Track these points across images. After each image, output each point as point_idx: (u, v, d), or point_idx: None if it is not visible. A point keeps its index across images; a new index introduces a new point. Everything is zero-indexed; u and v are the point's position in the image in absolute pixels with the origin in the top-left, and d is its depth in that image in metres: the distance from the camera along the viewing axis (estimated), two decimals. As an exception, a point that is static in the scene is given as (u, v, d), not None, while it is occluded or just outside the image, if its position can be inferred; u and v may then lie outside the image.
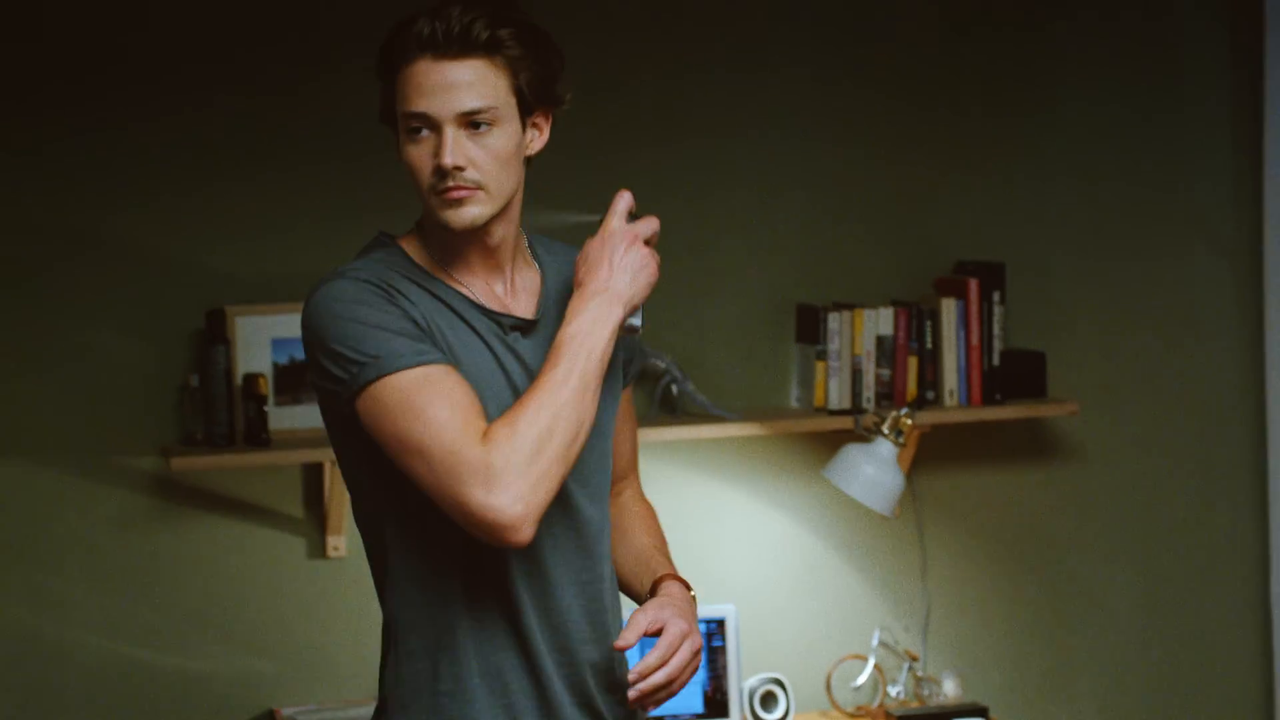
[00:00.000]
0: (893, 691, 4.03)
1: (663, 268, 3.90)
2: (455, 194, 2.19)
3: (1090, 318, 4.26)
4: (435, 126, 2.19)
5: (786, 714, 3.92)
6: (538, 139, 2.30)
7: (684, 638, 2.22)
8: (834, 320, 3.93)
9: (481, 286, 2.28)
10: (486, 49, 2.19)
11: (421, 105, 2.19)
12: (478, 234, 2.25)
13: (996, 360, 4.01)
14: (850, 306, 3.95)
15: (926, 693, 4.03)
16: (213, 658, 3.75)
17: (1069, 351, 4.21)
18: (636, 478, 2.56)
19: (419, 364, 2.12)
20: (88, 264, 3.65)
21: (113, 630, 3.70)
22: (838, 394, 3.93)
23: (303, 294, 2.24)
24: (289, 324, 3.57)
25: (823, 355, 3.93)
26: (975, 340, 3.99)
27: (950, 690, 4.02)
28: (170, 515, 3.71)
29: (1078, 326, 4.24)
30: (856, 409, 3.92)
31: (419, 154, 2.21)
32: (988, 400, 4.01)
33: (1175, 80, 4.30)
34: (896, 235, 4.11)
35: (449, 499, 2.08)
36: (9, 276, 3.64)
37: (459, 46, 2.19)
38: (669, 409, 3.91)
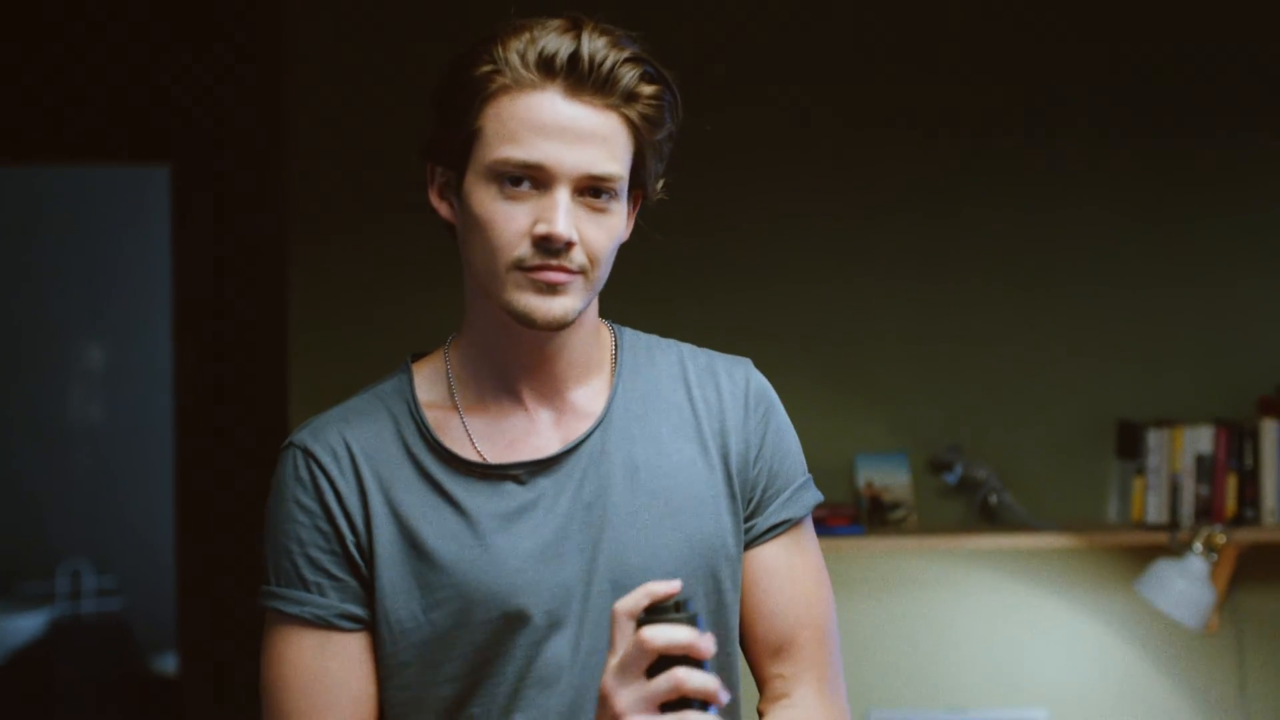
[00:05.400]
0: (1207, 806, 4.05)
1: (984, 379, 4.10)
2: (554, 276, 1.71)
3: None
4: (545, 184, 1.70)
5: (1098, 821, 3.98)
6: (628, 228, 1.83)
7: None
8: (1154, 437, 4.02)
9: (512, 422, 1.83)
10: (626, 101, 1.74)
11: (540, 153, 1.69)
12: (538, 339, 1.80)
13: (1318, 481, 4.03)
14: (1171, 423, 4.03)
15: (1242, 809, 4.05)
16: None
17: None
18: (818, 670, 1.87)
19: (292, 615, 1.79)
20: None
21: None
22: (1156, 509, 4.01)
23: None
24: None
25: (1141, 471, 4.02)
26: (1297, 460, 4.02)
27: (1266, 808, 4.03)
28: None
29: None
30: (1174, 525, 3.99)
31: (511, 215, 1.71)
32: (1309, 520, 4.03)
33: None
34: (1218, 352, 4.17)
35: None
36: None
37: (603, 88, 1.72)
38: (988, 518, 4.05)
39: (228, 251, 4.97)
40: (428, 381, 1.87)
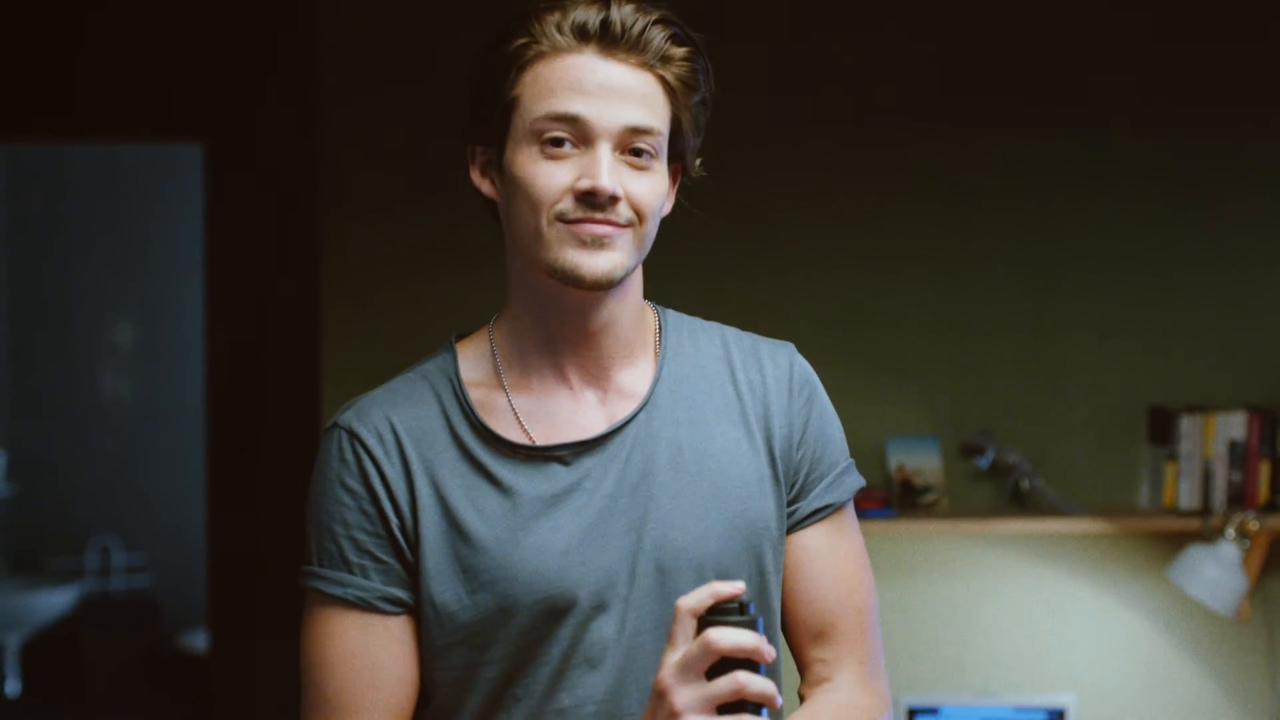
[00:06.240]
0: (1236, 793, 4.05)
1: (1017, 364, 4.10)
2: (598, 229, 1.72)
3: None
4: (587, 141, 1.72)
5: (1126, 807, 3.97)
6: (669, 202, 1.83)
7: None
8: (1186, 423, 4.01)
9: (558, 402, 1.82)
10: (661, 62, 1.76)
11: (580, 106, 1.72)
12: (584, 313, 1.79)
13: (1352, 468, 4.02)
14: (1203, 409, 4.02)
15: (1271, 797, 4.04)
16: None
17: None
18: (859, 655, 1.87)
19: (335, 596, 1.79)
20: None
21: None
22: (1188, 495, 4.00)
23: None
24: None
25: (1174, 457, 4.01)
26: (1330, 448, 4.01)
27: (1296, 796, 4.02)
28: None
29: None
30: (1205, 511, 3.98)
31: (553, 172, 1.72)
32: (1342, 507, 4.02)
33: None
34: (1251, 338, 4.16)
35: None
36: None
37: (636, 48, 1.75)
38: (1019, 503, 4.04)
39: (260, 229, 4.98)
40: (472, 361, 1.86)
